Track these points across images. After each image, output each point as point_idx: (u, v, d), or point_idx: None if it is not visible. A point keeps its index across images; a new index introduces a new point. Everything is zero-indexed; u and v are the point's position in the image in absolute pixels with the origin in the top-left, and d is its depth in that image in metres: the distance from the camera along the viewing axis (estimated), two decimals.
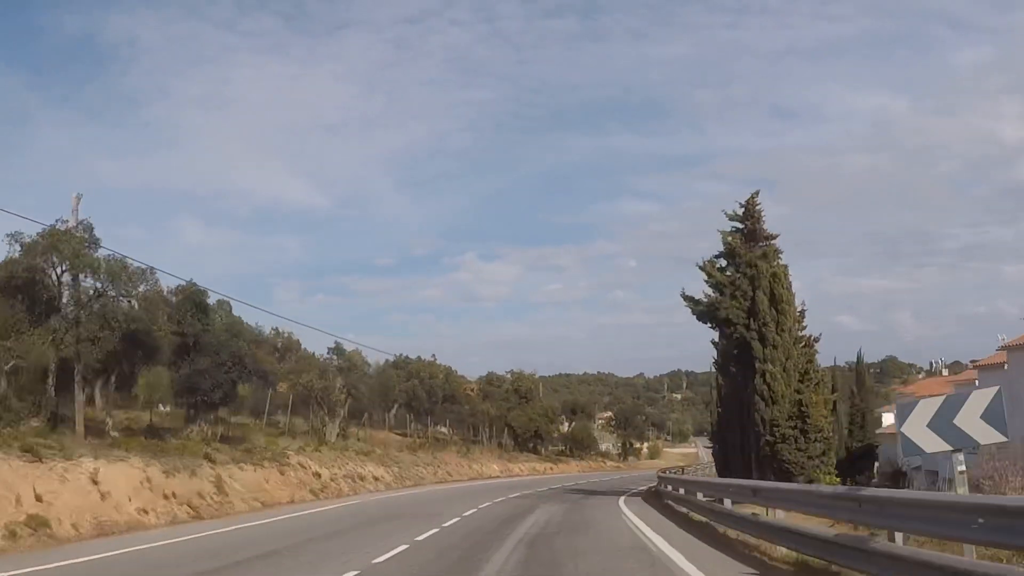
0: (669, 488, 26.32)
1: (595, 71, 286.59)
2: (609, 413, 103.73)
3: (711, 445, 41.33)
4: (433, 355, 62.14)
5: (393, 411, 62.17)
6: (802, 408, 25.34)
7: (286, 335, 48.04)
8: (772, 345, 25.40)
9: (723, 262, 28.10)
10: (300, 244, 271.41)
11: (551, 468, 66.87)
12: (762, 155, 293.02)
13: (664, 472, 37.96)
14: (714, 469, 69.09)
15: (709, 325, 28.95)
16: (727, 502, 17.20)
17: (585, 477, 54.76)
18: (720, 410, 30.85)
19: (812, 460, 25.15)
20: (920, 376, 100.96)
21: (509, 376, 70.67)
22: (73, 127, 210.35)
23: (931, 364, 67.21)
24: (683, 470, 46.92)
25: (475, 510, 21.48)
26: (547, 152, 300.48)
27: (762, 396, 25.16)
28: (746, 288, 26.45)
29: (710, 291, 27.74)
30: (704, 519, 17.41)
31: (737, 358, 27.74)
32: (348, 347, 44.50)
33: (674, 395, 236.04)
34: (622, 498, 28.80)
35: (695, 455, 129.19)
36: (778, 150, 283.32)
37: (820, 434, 25.45)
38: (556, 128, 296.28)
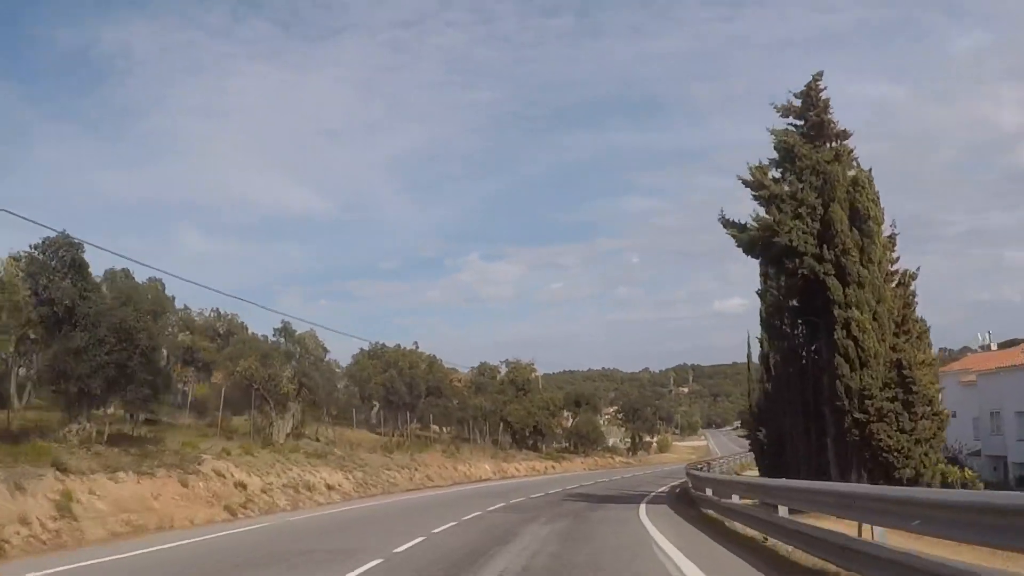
0: (709, 492, 18.47)
1: (594, 68, 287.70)
2: (615, 408, 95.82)
3: (748, 434, 33.60)
4: (415, 343, 54.24)
5: (376, 408, 54.46)
6: (903, 372, 17.44)
7: (229, 317, 40.06)
8: (856, 282, 17.53)
9: (776, 172, 20.04)
10: (303, 250, 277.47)
11: (553, 467, 58.98)
12: (763, 147, 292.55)
13: (698, 468, 30.09)
14: (736, 462, 61.55)
15: (759, 263, 20.97)
16: (778, 510, 9.34)
17: (592, 476, 46.79)
18: (768, 386, 22.94)
19: (920, 445, 17.23)
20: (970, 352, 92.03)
21: (504, 367, 62.78)
22: (70, 140, 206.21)
23: (981, 337, 58.97)
24: (709, 465, 39.02)
25: (423, 539, 13.64)
26: (548, 151, 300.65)
27: (846, 356, 17.27)
28: (813, 202, 18.52)
29: (761, 210, 19.67)
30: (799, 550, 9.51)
31: (800, 308, 19.88)
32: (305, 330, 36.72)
33: (681, 389, 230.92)
34: (642, 507, 20.99)
35: (706, 448, 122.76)
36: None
37: (929, 408, 17.54)
38: (557, 127, 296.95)
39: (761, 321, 22.95)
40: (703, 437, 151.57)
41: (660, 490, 31.03)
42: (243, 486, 25.70)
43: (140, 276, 36.97)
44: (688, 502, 22.67)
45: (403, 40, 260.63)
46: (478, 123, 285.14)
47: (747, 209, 21.65)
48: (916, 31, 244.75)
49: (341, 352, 60.32)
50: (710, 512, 17.66)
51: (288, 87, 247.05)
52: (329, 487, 31.06)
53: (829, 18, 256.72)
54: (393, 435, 47.45)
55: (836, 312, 17.47)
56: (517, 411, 58.75)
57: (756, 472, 48.43)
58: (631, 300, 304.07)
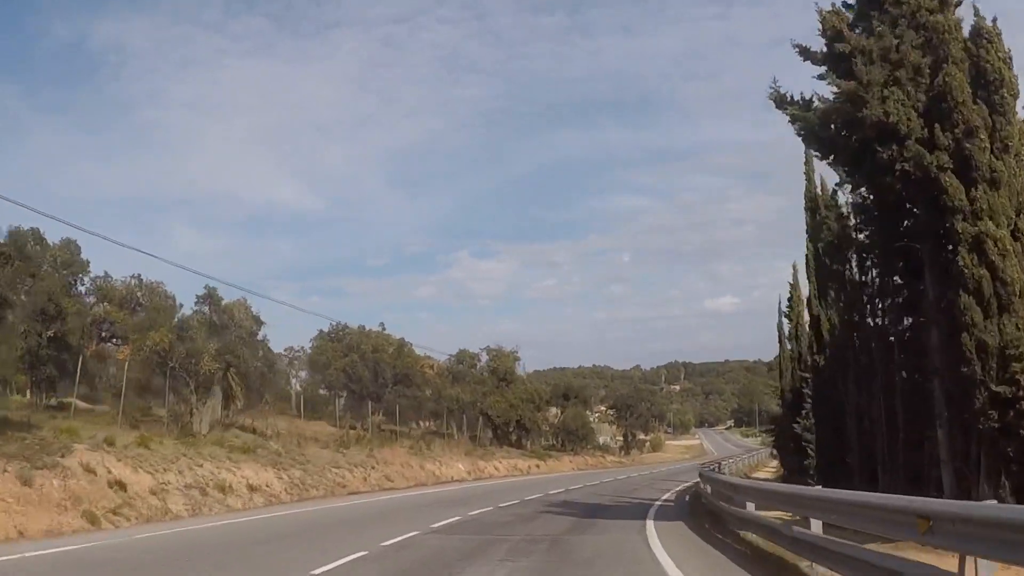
0: (750, 507, 12.39)
1: (585, 66, 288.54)
2: (605, 406, 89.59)
3: (775, 428, 27.76)
4: (381, 324, 48.07)
5: (344, 399, 48.27)
6: None
7: (152, 286, 33.35)
8: (988, 180, 11.45)
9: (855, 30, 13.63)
10: (294, 246, 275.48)
11: (537, 466, 52.86)
12: (755, 146, 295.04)
13: (713, 469, 24.15)
14: (744, 462, 55.48)
15: (826, 158, 14.49)
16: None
17: (581, 478, 40.69)
18: (820, 359, 16.91)
19: None
20: None
21: (485, 355, 56.52)
22: (63, 134, 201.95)
23: None
24: (719, 466, 32.92)
25: None
26: (539, 148, 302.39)
27: (977, 294, 11.16)
28: (918, 62, 12.36)
29: (835, 78, 13.19)
30: None
31: (886, 234, 13.73)
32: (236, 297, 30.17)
33: (672, 386, 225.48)
34: (649, 525, 14.94)
35: (700, 447, 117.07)
36: (771, 142, 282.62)
37: None
38: (548, 124, 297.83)
39: (810, 270, 16.96)
40: (696, 436, 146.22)
41: (665, 497, 24.98)
42: (121, 486, 19.53)
43: (53, 236, 30.84)
44: (709, 517, 16.65)
45: (395, 36, 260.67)
46: (469, 119, 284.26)
47: (807, 82, 15.22)
48: None
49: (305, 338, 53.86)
50: (755, 538, 11.62)
51: (280, 82, 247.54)
52: (252, 488, 24.87)
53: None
54: (351, 429, 41.22)
55: (960, 226, 11.32)
56: (498, 404, 52.63)
57: (768, 475, 42.63)
58: (622, 298, 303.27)
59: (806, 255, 17.00)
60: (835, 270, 16.12)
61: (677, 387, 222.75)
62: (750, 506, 12.83)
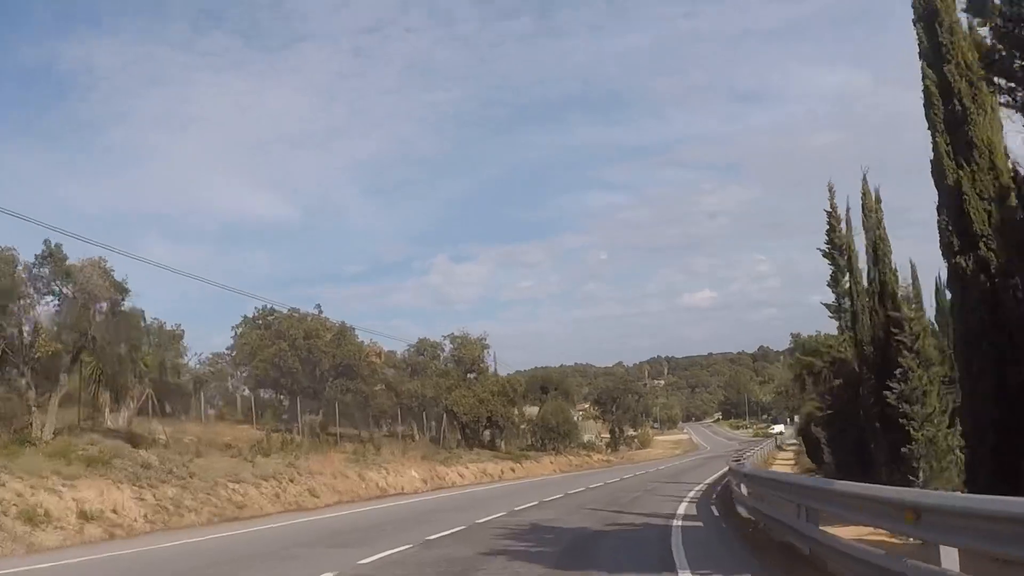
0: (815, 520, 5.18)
1: (554, 67, 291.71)
2: (590, 403, 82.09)
3: (832, 399, 20.81)
4: (317, 307, 40.35)
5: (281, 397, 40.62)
6: None
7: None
8: None
9: None
10: (269, 258, 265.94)
11: (512, 469, 45.43)
12: (725, 139, 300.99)
13: (737, 465, 16.93)
14: (756, 455, 47.94)
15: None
16: None
17: (563, 484, 33.19)
18: (963, 259, 9.72)
19: None
20: None
21: (448, 343, 48.76)
22: (35, 155, 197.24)
23: None
24: (741, 458, 25.69)
25: None
26: (511, 150, 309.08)
27: None
28: None
29: None
30: None
31: None
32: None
33: (656, 381, 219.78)
34: None
35: (688, 441, 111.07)
36: (741, 133, 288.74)
37: None
38: (519, 126, 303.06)
39: (934, 109, 9.88)
40: (684, 430, 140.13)
41: (682, 510, 17.59)
42: None
43: None
44: (780, 552, 9.37)
45: (363, 46, 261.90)
46: (440, 125, 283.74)
47: None
48: (877, 17, 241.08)
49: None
50: None
51: (250, 96, 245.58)
52: (86, 516, 17.15)
53: (789, 8, 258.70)
54: (273, 432, 33.45)
55: None
56: (465, 399, 45.07)
57: (787, 469, 35.22)
58: (599, 296, 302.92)
59: (924, 85, 9.77)
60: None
61: (661, 382, 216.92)
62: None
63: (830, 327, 26.05)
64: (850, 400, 20.15)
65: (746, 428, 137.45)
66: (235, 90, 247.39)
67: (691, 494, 22.82)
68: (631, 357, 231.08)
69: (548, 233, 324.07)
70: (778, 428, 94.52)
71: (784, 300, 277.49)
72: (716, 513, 16.73)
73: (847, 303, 22.12)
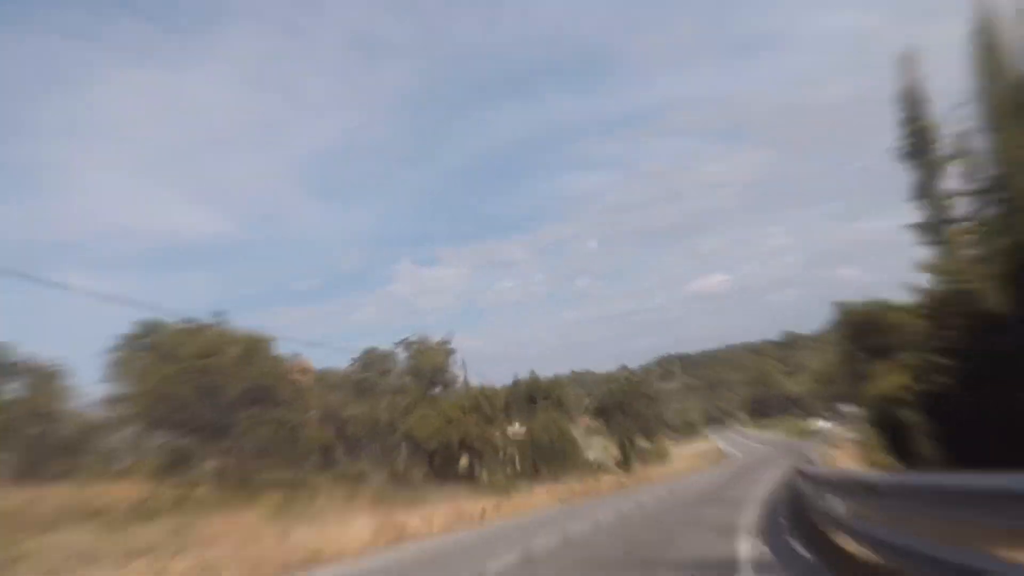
0: None
1: (516, 27, 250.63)
2: (589, 415, 71.50)
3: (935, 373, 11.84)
4: (217, 314, 31.34)
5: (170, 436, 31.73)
6: None
7: None
8: None
9: None
10: (207, 278, 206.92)
11: (497, 507, 35.94)
12: (725, 99, 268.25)
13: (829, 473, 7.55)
14: (811, 447, 36.74)
15: None
16: None
17: (564, 520, 23.02)
18: None
19: None
20: None
21: (403, 351, 39.55)
22: None
23: None
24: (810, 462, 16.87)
25: None
26: (474, 131, 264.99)
27: None
28: None
29: None
30: None
31: None
32: None
33: (668, 384, 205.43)
34: None
35: (716, 451, 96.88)
36: (743, 90, 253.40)
37: None
38: (480, 101, 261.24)
39: None
40: (708, 437, 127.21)
41: (747, 553, 9.18)
42: None
43: None
44: None
45: (294, 19, 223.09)
46: (390, 109, 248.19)
47: None
48: None
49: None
50: None
51: (164, 91, 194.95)
52: None
53: None
54: (156, 489, 24.47)
55: None
56: (428, 420, 35.92)
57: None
58: (593, 292, 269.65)
59: None
60: None
61: (675, 384, 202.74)
62: None
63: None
64: (986, 359, 11.47)
65: (776, 427, 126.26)
66: (146, 85, 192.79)
67: (744, 519, 15.81)
68: (636, 359, 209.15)
69: (527, 225, 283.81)
70: (822, 423, 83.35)
71: (808, 278, 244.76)
72: (804, 553, 10.11)
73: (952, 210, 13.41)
